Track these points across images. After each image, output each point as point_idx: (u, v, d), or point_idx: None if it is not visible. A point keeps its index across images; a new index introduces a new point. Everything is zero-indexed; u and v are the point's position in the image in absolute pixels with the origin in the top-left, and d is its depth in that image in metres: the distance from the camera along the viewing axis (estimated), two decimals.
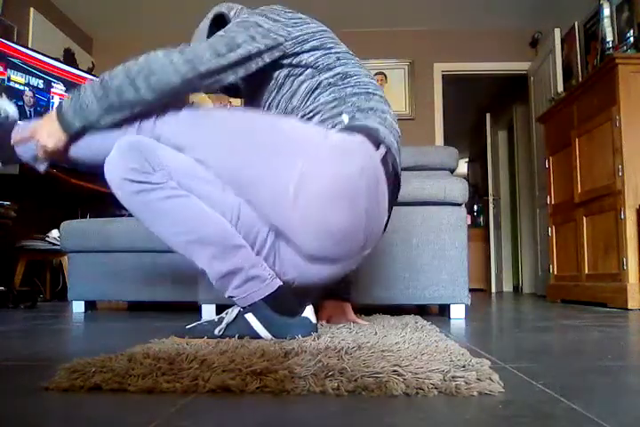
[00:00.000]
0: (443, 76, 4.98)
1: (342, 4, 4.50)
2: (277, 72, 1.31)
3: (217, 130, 1.21)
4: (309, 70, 1.30)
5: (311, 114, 1.29)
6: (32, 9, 4.04)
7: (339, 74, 1.31)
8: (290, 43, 1.27)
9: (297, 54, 1.29)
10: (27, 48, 3.35)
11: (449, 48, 4.94)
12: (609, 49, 3.30)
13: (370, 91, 1.32)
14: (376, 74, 4.94)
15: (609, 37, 3.37)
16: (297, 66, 1.30)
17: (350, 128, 1.23)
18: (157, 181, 1.15)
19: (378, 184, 1.21)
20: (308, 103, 1.31)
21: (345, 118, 1.25)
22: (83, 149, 1.24)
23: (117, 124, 1.20)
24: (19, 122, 1.34)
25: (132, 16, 4.64)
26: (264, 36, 1.23)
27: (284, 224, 1.18)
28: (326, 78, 1.30)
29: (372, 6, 4.59)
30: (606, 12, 3.45)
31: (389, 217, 1.34)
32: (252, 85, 1.40)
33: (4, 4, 3.67)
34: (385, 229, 1.34)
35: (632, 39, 3.05)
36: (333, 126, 1.25)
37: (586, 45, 3.93)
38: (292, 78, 1.31)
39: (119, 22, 4.83)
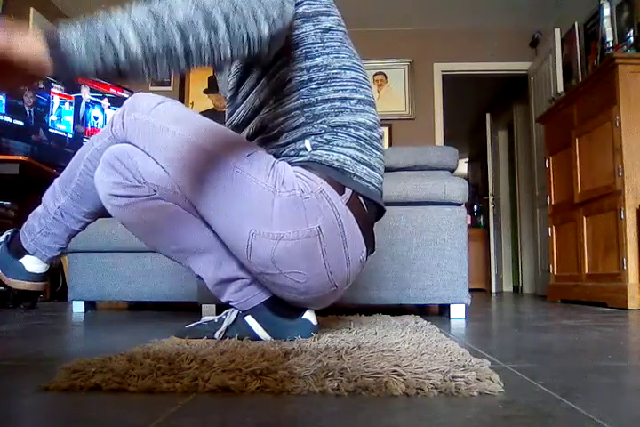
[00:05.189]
0: (443, 76, 4.98)
1: (342, 3, 4.48)
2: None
3: (180, 155, 1.06)
4: (283, 58, 1.11)
5: (276, 130, 1.15)
6: (32, 9, 4.04)
7: (316, 66, 1.12)
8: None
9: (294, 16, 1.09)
10: None
11: (449, 48, 4.94)
12: (609, 49, 3.30)
13: (346, 95, 1.13)
14: (376, 74, 4.94)
15: (609, 37, 3.37)
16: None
17: (311, 165, 1.10)
18: (143, 194, 1.10)
19: (342, 230, 1.08)
20: (271, 103, 1.15)
21: (308, 145, 1.12)
22: None
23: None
24: None
25: None
26: None
27: (248, 268, 1.13)
28: (299, 71, 1.12)
29: (372, 6, 4.58)
30: (606, 12, 3.45)
31: (373, 240, 1.22)
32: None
33: (4, 3, 3.66)
34: (372, 252, 1.23)
35: (632, 39, 3.05)
36: (296, 154, 1.12)
37: (586, 45, 3.93)
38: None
39: None
